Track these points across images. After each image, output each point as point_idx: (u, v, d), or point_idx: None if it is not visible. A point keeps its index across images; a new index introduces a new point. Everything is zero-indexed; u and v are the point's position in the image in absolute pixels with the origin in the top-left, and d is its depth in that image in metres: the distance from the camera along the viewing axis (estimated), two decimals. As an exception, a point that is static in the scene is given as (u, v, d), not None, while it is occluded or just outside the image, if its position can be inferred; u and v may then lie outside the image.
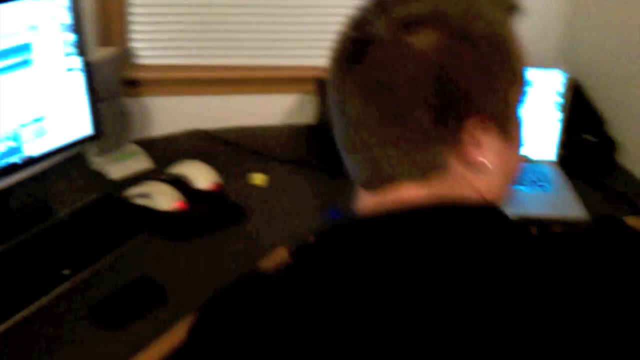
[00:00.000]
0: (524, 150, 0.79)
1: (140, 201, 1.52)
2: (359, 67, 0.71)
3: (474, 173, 0.73)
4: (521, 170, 0.80)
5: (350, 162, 0.76)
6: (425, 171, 0.71)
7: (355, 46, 0.71)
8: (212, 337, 0.69)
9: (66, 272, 1.29)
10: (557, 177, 1.71)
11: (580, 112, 1.85)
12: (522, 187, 1.65)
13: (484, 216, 0.70)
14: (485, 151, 0.72)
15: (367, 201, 0.75)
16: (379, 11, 0.71)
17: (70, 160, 1.65)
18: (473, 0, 0.71)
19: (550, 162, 1.75)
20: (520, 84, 0.74)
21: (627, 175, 1.78)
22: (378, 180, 0.73)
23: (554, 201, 1.62)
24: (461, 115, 0.69)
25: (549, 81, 1.71)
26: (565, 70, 1.70)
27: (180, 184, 1.58)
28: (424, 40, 0.68)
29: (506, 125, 0.73)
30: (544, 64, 1.74)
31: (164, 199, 1.51)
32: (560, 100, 1.72)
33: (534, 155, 1.75)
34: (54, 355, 1.13)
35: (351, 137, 0.73)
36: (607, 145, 1.82)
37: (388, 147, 0.71)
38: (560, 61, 2.01)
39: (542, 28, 2.00)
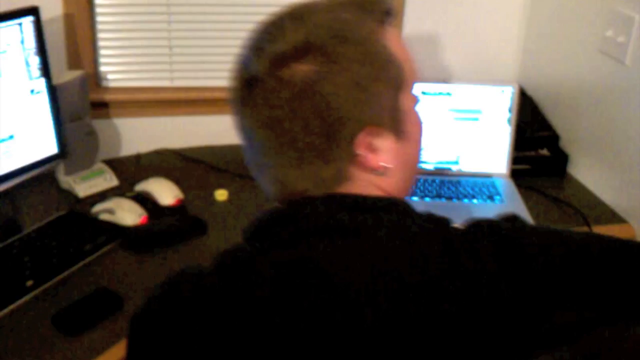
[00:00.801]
0: (424, 141, 0.87)
1: (104, 216, 1.58)
2: (250, 106, 0.79)
3: (378, 176, 0.80)
4: (421, 158, 0.89)
5: (261, 181, 0.83)
6: (331, 185, 0.79)
7: (243, 87, 0.79)
8: (148, 328, 0.77)
9: (29, 283, 1.35)
10: (509, 190, 1.78)
11: (537, 128, 1.93)
12: (474, 200, 1.72)
13: (369, 203, 0.78)
14: (383, 155, 0.79)
15: None
16: (256, 50, 0.79)
17: (40, 178, 1.72)
18: (341, 24, 0.78)
19: (502, 175, 1.82)
20: (408, 87, 0.82)
21: (578, 186, 1.85)
22: (288, 195, 0.81)
23: (503, 212, 1.68)
24: (349, 133, 0.77)
25: (501, 97, 1.78)
26: (516, 87, 1.78)
27: (144, 200, 1.64)
28: (297, 72, 0.76)
29: (398, 128, 0.81)
30: (500, 82, 1.81)
31: (127, 214, 1.58)
32: (509, 115, 1.79)
33: (487, 169, 1.82)
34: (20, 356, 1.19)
35: (258, 161, 0.82)
36: (560, 159, 1.90)
37: (291, 169, 0.79)
38: (517, 80, 2.10)
39: (499, 48, 2.09)
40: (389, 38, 0.81)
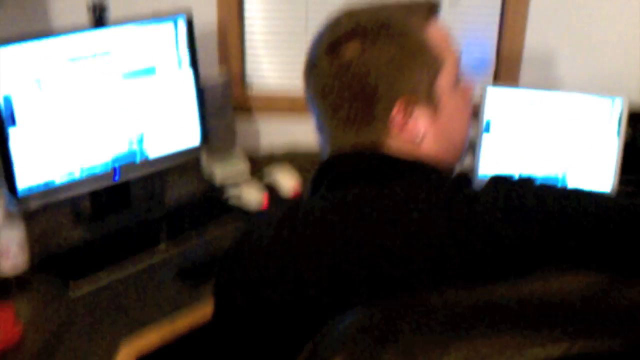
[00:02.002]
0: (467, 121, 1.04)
1: (233, 200, 1.84)
2: (311, 79, 1.00)
3: (417, 143, 0.96)
4: (467, 134, 1.04)
5: (321, 144, 1.03)
6: (370, 147, 0.97)
7: (307, 68, 1.01)
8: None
9: (163, 245, 1.63)
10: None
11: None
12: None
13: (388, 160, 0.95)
14: (418, 123, 0.96)
15: None
16: (318, 39, 1.00)
17: (186, 165, 2.01)
18: (386, 17, 0.97)
19: (609, 190, 1.86)
20: (448, 72, 0.98)
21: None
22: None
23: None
24: (386, 101, 0.95)
25: (610, 107, 1.83)
26: (625, 99, 1.82)
27: (270, 189, 1.88)
28: (345, 50, 0.95)
29: (434, 103, 0.97)
30: (610, 93, 1.86)
31: (253, 199, 1.82)
32: (618, 128, 1.83)
33: (592, 183, 1.87)
34: (145, 296, 1.47)
35: (318, 126, 1.02)
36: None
37: (339, 131, 0.98)
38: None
39: (621, 63, 2.12)
40: (430, 31, 0.99)
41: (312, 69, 0.99)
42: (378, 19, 0.97)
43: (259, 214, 1.03)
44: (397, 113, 0.95)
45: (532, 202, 0.84)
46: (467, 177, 0.93)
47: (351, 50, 0.95)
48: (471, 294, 0.80)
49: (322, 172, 0.98)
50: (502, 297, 0.79)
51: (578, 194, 0.87)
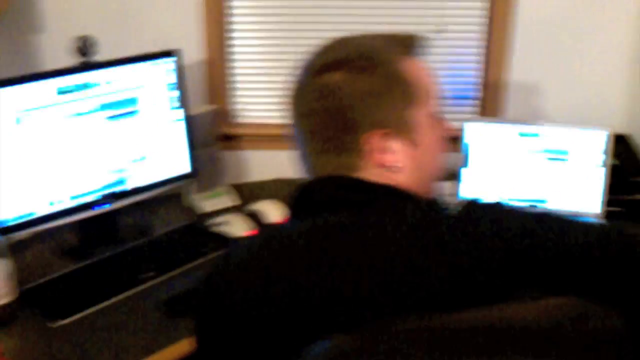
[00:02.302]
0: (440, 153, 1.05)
1: (218, 228, 1.84)
2: (294, 103, 1.02)
3: (391, 172, 0.97)
4: (440, 168, 1.05)
5: (303, 170, 1.04)
6: (347, 172, 0.97)
7: (293, 90, 1.03)
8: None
9: (148, 275, 1.63)
10: (599, 230, 1.83)
11: (638, 173, 1.97)
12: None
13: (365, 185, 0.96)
14: (393, 155, 0.97)
15: None
16: (305, 65, 1.03)
17: (173, 195, 2.02)
18: (371, 48, 1.00)
19: (595, 216, 1.88)
20: (423, 104, 0.99)
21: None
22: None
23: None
24: (361, 131, 0.96)
25: (595, 141, 1.85)
26: (610, 131, 1.85)
27: (255, 218, 1.89)
28: (329, 79, 0.98)
29: (410, 135, 0.98)
30: (596, 126, 1.88)
31: (238, 227, 1.82)
32: (603, 157, 1.86)
33: (579, 208, 1.89)
34: (127, 330, 1.46)
35: (300, 151, 1.03)
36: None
37: (318, 156, 0.99)
38: (626, 127, 2.14)
39: (605, 96, 2.15)
40: (410, 64, 1.01)
41: (297, 93, 1.01)
42: (363, 50, 0.99)
43: (237, 241, 1.03)
44: (373, 143, 0.96)
45: (500, 227, 0.85)
46: (438, 203, 0.94)
47: (335, 78, 0.97)
48: (444, 320, 0.80)
49: (300, 197, 0.99)
50: (476, 322, 0.80)
51: (551, 220, 0.88)
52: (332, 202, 0.95)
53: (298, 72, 1.03)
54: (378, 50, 1.00)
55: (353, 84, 0.96)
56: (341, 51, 1.00)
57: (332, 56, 0.99)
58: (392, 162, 0.97)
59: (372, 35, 1.05)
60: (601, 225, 0.88)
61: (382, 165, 0.97)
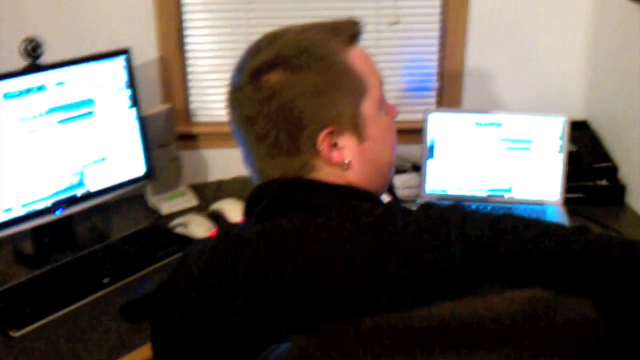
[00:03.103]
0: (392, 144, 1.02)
1: (180, 230, 1.81)
2: (234, 109, 0.98)
3: (342, 170, 0.95)
4: (393, 157, 1.03)
5: (249, 173, 1.01)
6: (298, 174, 0.95)
7: (230, 97, 0.99)
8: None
9: (106, 280, 1.59)
10: (559, 217, 1.84)
11: (597, 159, 1.99)
12: (522, 224, 1.80)
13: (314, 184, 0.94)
14: (344, 152, 0.95)
15: None
16: (240, 67, 0.98)
17: (131, 198, 1.98)
18: (307, 42, 0.95)
19: (555, 203, 1.89)
20: (372, 97, 0.96)
21: (634, 217, 1.88)
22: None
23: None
24: (310, 131, 0.93)
25: (553, 127, 1.86)
26: (567, 118, 1.86)
27: (217, 217, 1.86)
28: (268, 81, 0.94)
29: (358, 130, 0.95)
30: (553, 113, 1.89)
31: (199, 228, 1.79)
32: (561, 143, 1.86)
33: (539, 197, 1.89)
34: (87, 338, 1.42)
35: (245, 155, 1.00)
36: (617, 190, 1.94)
37: (265, 160, 0.96)
38: (584, 113, 2.16)
39: (563, 82, 2.16)
40: (353, 56, 0.97)
41: (236, 97, 0.97)
42: (299, 45, 0.95)
43: (193, 245, 1.00)
44: (322, 142, 0.94)
45: (457, 229, 0.83)
46: (397, 204, 0.92)
47: (274, 79, 0.93)
48: (405, 318, 0.79)
49: (252, 200, 0.97)
50: (438, 318, 0.78)
51: (505, 218, 0.86)
52: (286, 206, 0.92)
53: (233, 75, 0.99)
54: (314, 43, 0.95)
55: (295, 84, 0.93)
56: (278, 49, 0.95)
57: (270, 55, 0.95)
58: (340, 159, 0.95)
59: (305, 26, 0.99)
60: (563, 225, 0.87)
61: (333, 164, 0.95)
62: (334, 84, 0.94)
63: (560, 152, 1.87)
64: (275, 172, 0.95)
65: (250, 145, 0.97)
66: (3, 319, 1.46)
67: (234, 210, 1.89)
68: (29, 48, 1.63)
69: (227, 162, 2.16)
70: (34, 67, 1.63)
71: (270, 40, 0.97)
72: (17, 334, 1.42)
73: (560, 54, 2.14)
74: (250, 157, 0.98)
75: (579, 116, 2.15)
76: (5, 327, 1.44)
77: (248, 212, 0.98)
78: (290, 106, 0.93)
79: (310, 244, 0.86)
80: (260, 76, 0.94)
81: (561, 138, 1.87)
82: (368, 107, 0.97)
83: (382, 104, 1.00)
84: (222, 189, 2.10)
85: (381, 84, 1.00)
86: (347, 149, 0.95)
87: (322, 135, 0.93)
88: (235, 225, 1.00)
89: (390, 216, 0.87)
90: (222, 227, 1.82)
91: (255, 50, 0.97)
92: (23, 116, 1.59)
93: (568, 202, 1.89)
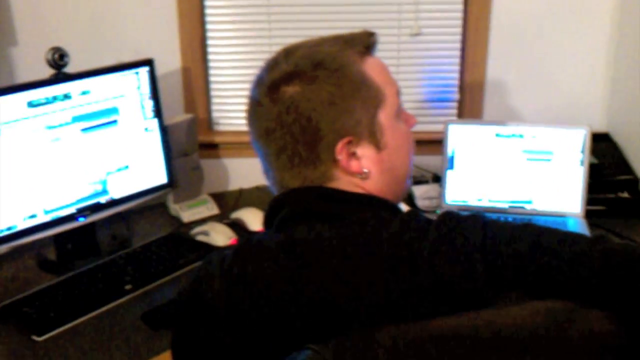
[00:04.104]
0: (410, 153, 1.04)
1: (200, 238, 1.82)
2: (253, 122, 1.00)
3: (361, 179, 0.96)
4: (410, 166, 1.04)
5: (269, 185, 1.02)
6: (318, 183, 0.96)
7: (249, 110, 1.01)
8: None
9: (128, 287, 1.61)
10: (580, 229, 1.83)
11: (618, 171, 1.98)
12: (543, 236, 1.79)
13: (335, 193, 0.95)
14: (362, 162, 0.96)
15: None
16: (258, 81, 1.00)
17: (153, 205, 2.00)
18: (322, 54, 0.96)
19: (576, 215, 1.88)
20: (389, 106, 0.98)
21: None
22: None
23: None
24: (327, 141, 0.94)
25: (574, 140, 1.86)
26: (588, 130, 1.85)
27: (237, 226, 1.87)
28: (285, 93, 0.95)
29: (376, 138, 0.96)
30: (574, 125, 1.88)
31: (219, 236, 1.81)
32: (582, 156, 1.86)
33: (560, 208, 1.89)
34: (109, 343, 1.43)
35: (265, 167, 1.01)
36: (639, 202, 1.92)
37: (285, 171, 0.98)
38: (606, 126, 2.15)
39: (585, 95, 2.16)
40: (368, 66, 0.98)
41: (255, 111, 0.99)
42: (314, 57, 0.96)
43: (212, 254, 1.01)
44: (340, 151, 0.95)
45: (478, 239, 0.84)
46: (415, 213, 0.93)
47: (291, 91, 0.95)
48: (426, 328, 0.79)
49: (272, 210, 0.98)
50: (459, 328, 0.79)
51: (526, 228, 0.87)
52: (306, 213, 0.93)
53: (251, 89, 1.01)
54: (331, 55, 0.97)
55: (312, 96, 0.94)
56: (294, 62, 0.96)
57: (286, 68, 0.96)
58: (359, 168, 0.96)
59: (320, 39, 1.01)
60: (583, 235, 0.87)
61: (351, 173, 0.96)
62: (350, 94, 0.95)
63: (582, 164, 1.86)
64: (294, 182, 0.97)
65: (269, 157, 0.98)
66: (26, 323, 1.48)
67: (254, 219, 1.90)
68: (55, 57, 1.65)
69: (248, 171, 2.17)
70: (60, 76, 1.66)
71: (286, 54, 0.99)
72: (40, 338, 1.44)
73: (581, 66, 2.14)
74: (270, 169, 1.00)
75: (600, 128, 2.14)
76: (28, 332, 1.46)
77: (268, 222, 0.99)
78: (308, 117, 0.94)
79: (331, 253, 0.87)
80: (278, 89, 0.96)
81: (582, 150, 1.86)
82: (385, 116, 0.98)
83: (400, 113, 1.01)
84: (242, 198, 2.12)
85: (398, 93, 1.01)
86: (365, 158, 0.96)
87: (340, 144, 0.94)
88: (255, 234, 1.00)
89: (409, 224, 0.87)
90: (242, 236, 1.83)
91: (272, 64, 0.99)
92: (48, 124, 1.62)
93: (589, 214, 1.88)
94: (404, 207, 1.95)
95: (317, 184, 0.96)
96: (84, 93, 1.68)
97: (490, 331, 0.78)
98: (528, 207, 1.91)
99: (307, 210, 0.93)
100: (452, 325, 0.79)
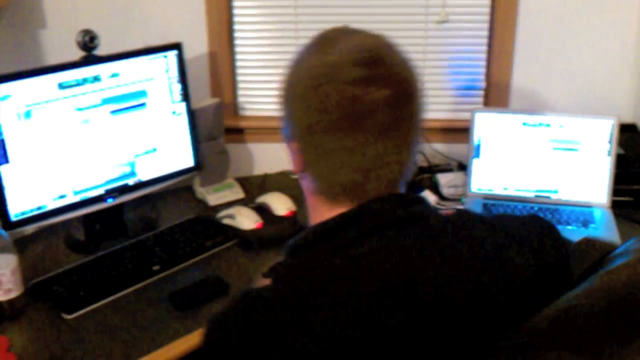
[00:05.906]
0: None
1: (226, 221, 1.83)
2: (348, 113, 0.95)
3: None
4: None
5: (315, 171, 1.01)
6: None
7: (346, 100, 0.96)
8: (223, 344, 0.90)
9: (156, 268, 1.63)
10: (606, 219, 1.82)
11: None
12: (568, 226, 1.79)
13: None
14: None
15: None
16: (340, 65, 0.98)
17: (179, 188, 2.02)
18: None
19: (602, 206, 1.87)
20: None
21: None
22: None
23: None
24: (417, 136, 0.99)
25: (601, 130, 1.85)
26: (615, 120, 1.84)
27: (262, 210, 1.88)
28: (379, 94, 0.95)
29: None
30: (602, 115, 1.87)
31: (245, 220, 1.82)
32: (609, 147, 1.85)
33: (586, 199, 1.88)
34: (137, 323, 1.45)
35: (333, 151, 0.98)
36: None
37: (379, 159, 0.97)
38: (633, 117, 2.14)
39: (612, 85, 2.14)
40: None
41: (355, 101, 0.93)
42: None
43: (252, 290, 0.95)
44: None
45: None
46: (469, 213, 1.00)
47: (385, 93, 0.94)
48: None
49: (356, 216, 0.93)
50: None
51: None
52: (391, 220, 0.93)
53: (333, 73, 0.97)
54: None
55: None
56: (389, 62, 0.96)
57: (380, 70, 0.95)
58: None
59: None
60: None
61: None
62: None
63: (609, 154, 1.86)
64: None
65: (357, 147, 0.94)
66: (56, 301, 1.51)
67: (279, 203, 1.91)
68: (86, 39, 1.67)
69: (273, 156, 2.19)
70: (90, 59, 1.67)
71: (376, 45, 1.00)
72: (70, 316, 1.47)
73: (609, 56, 2.12)
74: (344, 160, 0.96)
75: (627, 119, 2.12)
76: (58, 309, 1.49)
77: (334, 234, 0.94)
78: (418, 109, 0.98)
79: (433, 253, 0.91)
80: (373, 83, 0.95)
81: (610, 140, 1.85)
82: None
83: None
84: (267, 182, 2.13)
85: None
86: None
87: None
88: (290, 262, 0.99)
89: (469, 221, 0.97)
90: (267, 220, 1.84)
91: (361, 54, 0.98)
92: (78, 106, 1.64)
93: (615, 205, 1.88)
94: (430, 196, 1.95)
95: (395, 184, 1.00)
96: (113, 75, 1.70)
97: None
98: (554, 196, 1.90)
99: (390, 218, 0.95)
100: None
